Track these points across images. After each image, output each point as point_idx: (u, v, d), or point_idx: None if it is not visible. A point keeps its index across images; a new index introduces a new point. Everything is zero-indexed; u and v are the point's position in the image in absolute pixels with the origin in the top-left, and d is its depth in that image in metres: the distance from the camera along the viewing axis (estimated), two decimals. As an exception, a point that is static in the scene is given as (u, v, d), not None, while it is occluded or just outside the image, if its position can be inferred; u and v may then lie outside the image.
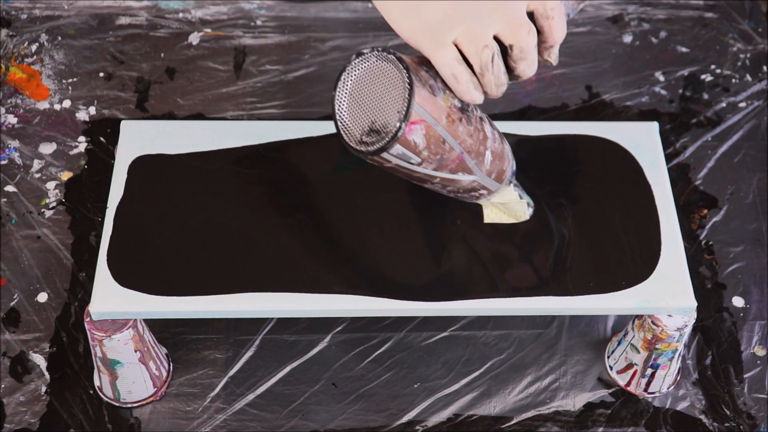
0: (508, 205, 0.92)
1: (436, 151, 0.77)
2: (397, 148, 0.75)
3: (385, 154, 0.76)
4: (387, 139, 0.75)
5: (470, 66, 0.76)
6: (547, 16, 0.76)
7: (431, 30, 0.75)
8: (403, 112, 0.74)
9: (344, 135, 0.78)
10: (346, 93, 0.78)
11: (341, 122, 0.78)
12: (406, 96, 0.74)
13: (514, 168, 0.89)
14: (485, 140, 0.81)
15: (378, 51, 0.77)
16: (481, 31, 0.74)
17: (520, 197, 0.92)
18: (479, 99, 0.77)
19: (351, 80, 0.77)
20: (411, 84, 0.74)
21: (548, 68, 1.23)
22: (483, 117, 0.82)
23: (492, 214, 0.93)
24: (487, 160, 0.82)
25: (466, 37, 0.74)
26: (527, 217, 0.94)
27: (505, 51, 0.77)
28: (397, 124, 0.74)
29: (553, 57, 0.78)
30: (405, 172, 0.79)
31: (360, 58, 0.77)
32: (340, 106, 0.78)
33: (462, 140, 0.79)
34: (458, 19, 0.74)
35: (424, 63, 0.77)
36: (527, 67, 0.77)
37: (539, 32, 0.78)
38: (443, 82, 0.77)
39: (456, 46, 0.75)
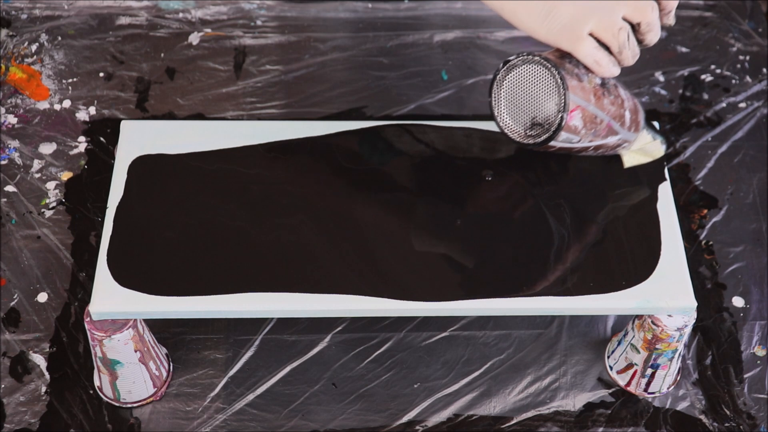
0: (644, 148, 0.97)
1: (591, 126, 0.88)
2: (562, 135, 0.87)
3: (552, 142, 0.87)
4: (553, 129, 0.86)
5: (606, 47, 0.87)
6: None
7: (567, 29, 0.85)
8: (563, 104, 0.86)
9: (509, 133, 0.89)
10: (502, 98, 0.89)
11: (503, 123, 0.89)
12: (562, 90, 0.85)
13: (644, 113, 0.96)
14: (623, 103, 0.91)
15: (523, 56, 0.87)
16: (613, 18, 0.84)
17: (654, 138, 0.97)
18: (617, 72, 0.88)
19: (505, 86, 0.88)
20: (563, 79, 0.85)
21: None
22: (616, 83, 0.91)
23: (631, 159, 0.98)
24: (627, 118, 0.92)
25: (601, 26, 0.84)
26: (662, 153, 0.98)
27: (632, 26, 0.86)
28: (560, 116, 0.86)
29: (671, 19, 0.88)
30: (566, 149, 0.90)
31: (507, 66, 0.88)
32: (499, 110, 0.89)
33: (608, 110, 0.89)
34: (590, 14, 0.84)
35: (565, 56, 0.87)
36: (655, 36, 0.87)
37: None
38: (584, 66, 0.87)
39: (591, 34, 0.85)
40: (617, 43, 0.85)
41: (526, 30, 0.87)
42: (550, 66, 0.86)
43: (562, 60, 0.86)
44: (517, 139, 0.89)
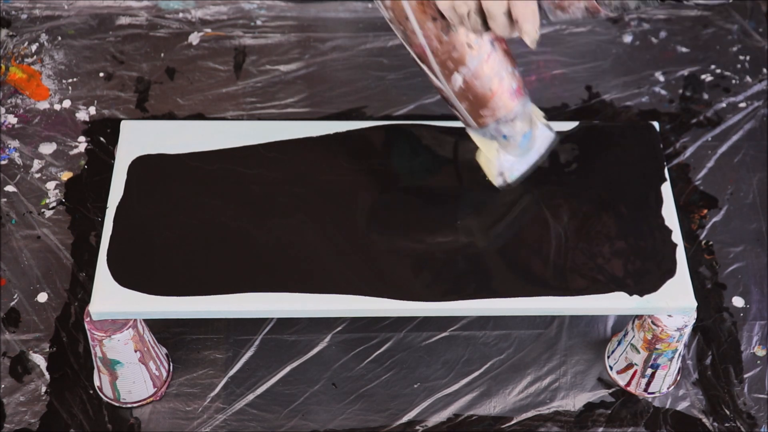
0: (487, 157, 0.93)
1: (400, 21, 0.86)
2: None
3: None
4: None
5: None
6: None
7: None
8: None
9: None
10: None
11: None
12: None
13: (509, 133, 0.91)
14: (459, 65, 0.87)
15: None
16: None
17: (498, 163, 0.92)
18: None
19: None
20: None
21: (548, 68, 1.23)
22: (487, 54, 0.87)
23: (480, 158, 0.94)
24: (456, 81, 0.88)
25: None
26: (495, 184, 0.94)
27: None
28: None
29: (525, 38, 0.81)
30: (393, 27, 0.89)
31: None
32: None
33: (428, 36, 0.87)
34: None
35: None
36: (496, 28, 0.82)
37: None
38: None
39: None
40: (457, 12, 0.82)
41: None
42: None
43: None
44: None
